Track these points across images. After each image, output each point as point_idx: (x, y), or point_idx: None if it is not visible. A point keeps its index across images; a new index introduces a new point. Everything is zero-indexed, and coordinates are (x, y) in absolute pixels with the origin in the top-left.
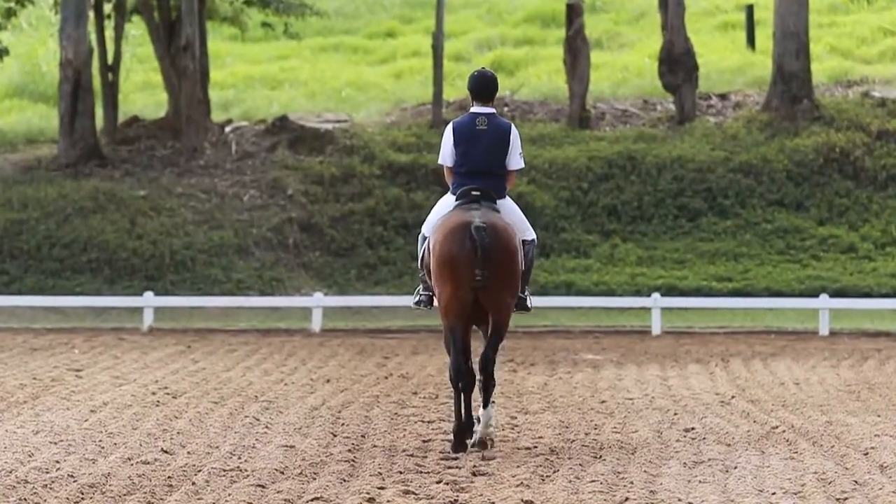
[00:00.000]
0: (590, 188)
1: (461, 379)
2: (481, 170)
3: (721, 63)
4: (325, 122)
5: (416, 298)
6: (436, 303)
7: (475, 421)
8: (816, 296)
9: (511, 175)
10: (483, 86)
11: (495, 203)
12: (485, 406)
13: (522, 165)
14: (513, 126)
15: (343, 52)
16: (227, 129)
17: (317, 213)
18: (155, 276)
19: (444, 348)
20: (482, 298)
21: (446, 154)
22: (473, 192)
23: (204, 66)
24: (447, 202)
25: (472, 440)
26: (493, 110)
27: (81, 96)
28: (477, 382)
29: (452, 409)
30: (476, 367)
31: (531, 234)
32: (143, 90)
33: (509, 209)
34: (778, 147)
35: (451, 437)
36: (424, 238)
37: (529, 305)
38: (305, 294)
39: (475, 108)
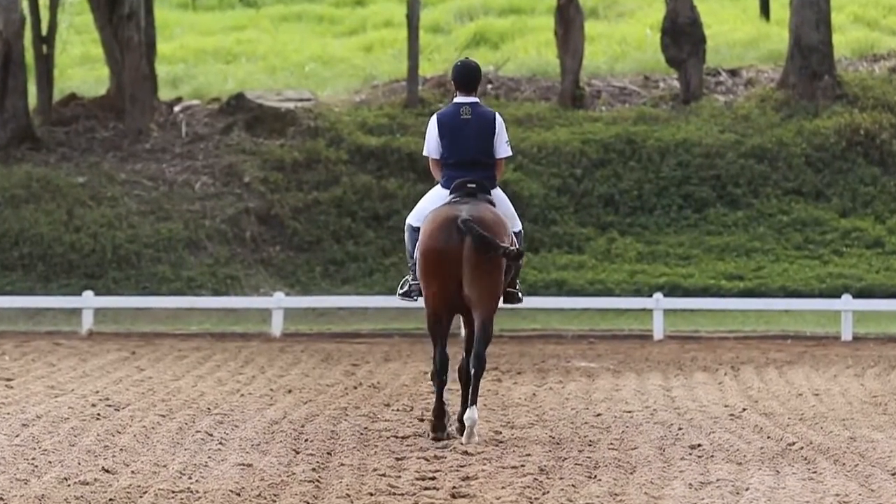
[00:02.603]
0: (584, 175)
1: (445, 371)
2: (469, 160)
3: (731, 35)
4: (287, 100)
5: (404, 289)
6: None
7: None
8: (838, 296)
9: (500, 164)
10: (467, 76)
11: (490, 195)
12: (473, 403)
13: (510, 153)
14: (497, 114)
15: (306, 21)
16: (177, 108)
17: (277, 203)
18: (95, 274)
19: (429, 335)
20: (468, 292)
21: (431, 146)
22: (469, 186)
23: (150, 38)
24: (438, 194)
25: (462, 436)
26: (476, 99)
27: (12, 71)
28: (468, 379)
29: (431, 407)
30: (470, 365)
31: (518, 226)
32: (82, 64)
33: (500, 200)
34: (795, 129)
35: (430, 419)
36: (412, 228)
37: (520, 296)
38: (264, 294)
39: (459, 98)
